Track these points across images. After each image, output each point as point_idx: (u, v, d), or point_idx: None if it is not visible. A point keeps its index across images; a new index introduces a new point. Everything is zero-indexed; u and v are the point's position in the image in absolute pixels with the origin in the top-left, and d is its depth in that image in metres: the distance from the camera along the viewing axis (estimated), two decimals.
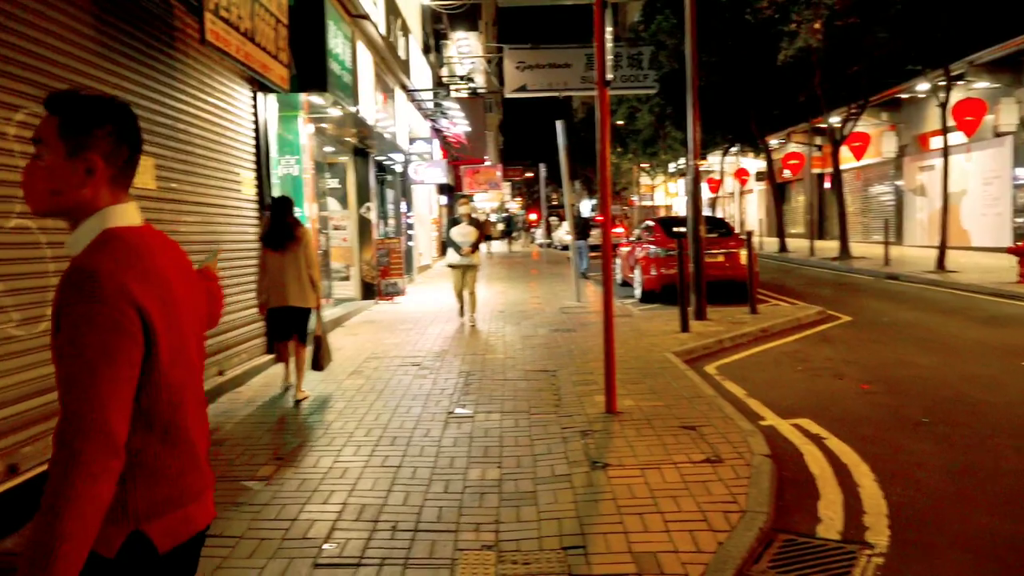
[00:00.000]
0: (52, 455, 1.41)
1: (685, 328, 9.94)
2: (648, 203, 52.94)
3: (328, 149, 13.25)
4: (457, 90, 26.44)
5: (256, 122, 8.57)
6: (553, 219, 38.85)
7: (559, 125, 13.75)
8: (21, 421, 4.29)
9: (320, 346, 6.97)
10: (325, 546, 3.73)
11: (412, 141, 19.18)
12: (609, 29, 6.30)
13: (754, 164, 35.70)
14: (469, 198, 25.82)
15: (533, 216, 62.52)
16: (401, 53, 15.91)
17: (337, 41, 9.82)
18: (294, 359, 6.97)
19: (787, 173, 31.09)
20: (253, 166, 8.45)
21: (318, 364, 7.00)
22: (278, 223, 6.83)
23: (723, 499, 4.16)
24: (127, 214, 1.64)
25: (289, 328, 6.91)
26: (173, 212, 6.43)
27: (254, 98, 8.53)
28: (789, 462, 5.03)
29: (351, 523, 4.02)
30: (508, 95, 21.84)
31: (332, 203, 14.15)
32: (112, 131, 1.61)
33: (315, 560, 3.58)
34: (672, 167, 39.61)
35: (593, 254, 20.88)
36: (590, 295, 14.72)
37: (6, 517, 3.96)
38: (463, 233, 11.43)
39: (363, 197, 14.67)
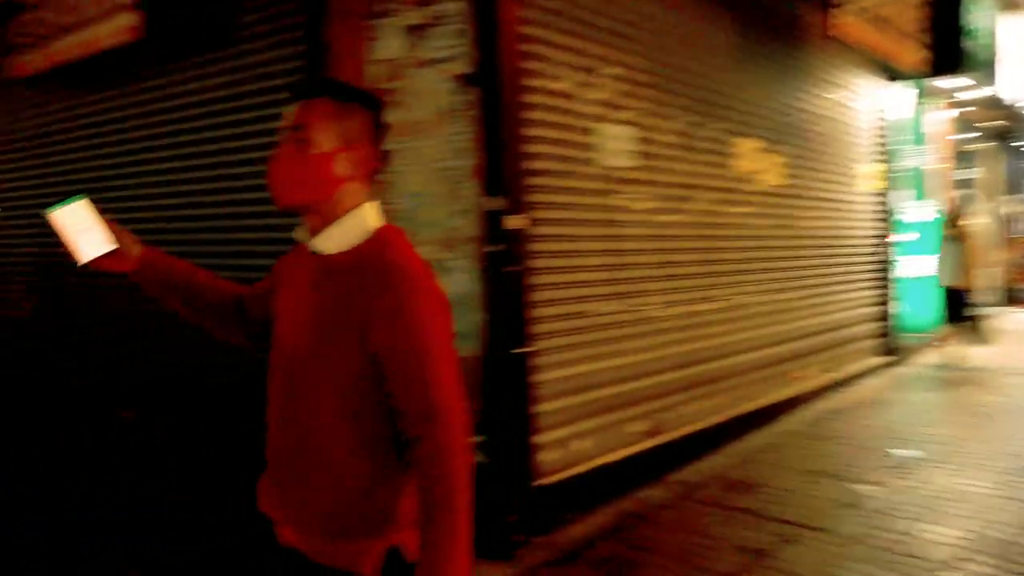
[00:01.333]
0: (442, 457, 1.34)
1: None
2: None
3: (961, 136, 11.93)
4: None
5: (878, 112, 8.21)
6: None
7: None
8: (662, 390, 4.98)
9: (977, 325, 8.22)
10: (945, 573, 3.44)
11: None
12: None
13: None
14: None
15: None
16: None
17: (975, 14, 8.73)
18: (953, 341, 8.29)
19: None
20: (872, 158, 8.14)
21: (978, 340, 8.21)
22: (952, 217, 8.30)
23: None
24: (379, 214, 1.51)
25: (952, 305, 8.19)
26: (795, 207, 6.62)
27: (879, 87, 8.18)
28: None
29: (975, 554, 3.61)
30: None
31: (965, 196, 12.73)
32: (376, 117, 1.50)
33: None
34: None
35: None
36: None
37: (648, 471, 4.67)
38: None
39: (1003, 188, 12.86)
